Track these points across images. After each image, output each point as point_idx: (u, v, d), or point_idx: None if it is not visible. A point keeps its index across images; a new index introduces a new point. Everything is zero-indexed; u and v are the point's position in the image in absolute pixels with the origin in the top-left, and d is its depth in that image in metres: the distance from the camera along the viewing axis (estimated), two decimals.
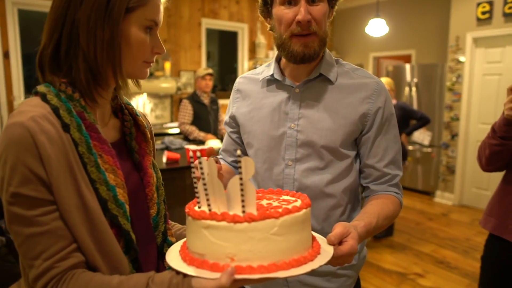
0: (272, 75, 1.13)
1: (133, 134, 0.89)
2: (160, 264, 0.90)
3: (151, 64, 0.84)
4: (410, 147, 5.54)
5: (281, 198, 0.81)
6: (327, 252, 0.73)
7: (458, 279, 3.13)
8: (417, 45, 6.04)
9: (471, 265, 3.35)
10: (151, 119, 5.57)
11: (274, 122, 1.11)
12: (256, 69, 1.23)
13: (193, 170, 0.74)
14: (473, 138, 4.91)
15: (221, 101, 4.71)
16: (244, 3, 6.38)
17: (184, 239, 0.77)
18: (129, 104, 0.93)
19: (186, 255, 0.70)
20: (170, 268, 0.70)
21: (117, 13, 0.74)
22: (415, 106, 5.47)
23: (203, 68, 4.44)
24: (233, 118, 1.23)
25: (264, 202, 0.77)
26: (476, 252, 3.59)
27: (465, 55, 4.81)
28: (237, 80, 1.27)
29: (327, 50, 1.12)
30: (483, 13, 4.57)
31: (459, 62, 4.89)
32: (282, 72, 1.13)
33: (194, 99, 4.16)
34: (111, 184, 0.75)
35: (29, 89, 4.82)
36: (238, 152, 0.66)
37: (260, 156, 1.14)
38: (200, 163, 0.70)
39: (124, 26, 0.75)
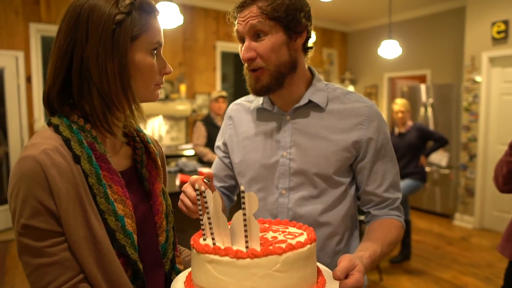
0: (262, 104, 1.14)
1: (144, 162, 0.91)
2: None
3: (161, 86, 0.86)
4: (427, 169, 5.45)
5: (287, 230, 0.80)
6: (332, 287, 0.72)
7: None
8: (432, 65, 6.01)
9: None
10: (167, 140, 5.64)
11: (267, 150, 1.11)
12: (249, 96, 1.22)
13: (198, 202, 0.74)
14: (492, 159, 4.79)
15: None
16: None
17: (189, 269, 0.77)
18: (141, 131, 0.95)
19: None
20: None
21: (123, 44, 0.76)
22: (431, 126, 5.40)
23: (217, 91, 4.50)
24: (225, 145, 1.24)
25: (270, 235, 0.77)
26: (500, 279, 3.45)
27: (481, 75, 4.75)
28: (230, 106, 1.27)
29: (317, 74, 1.12)
30: (499, 32, 4.53)
31: (475, 82, 4.83)
32: (271, 100, 1.13)
33: (208, 121, 4.21)
34: (119, 214, 0.76)
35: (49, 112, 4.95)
36: (242, 187, 0.66)
37: (254, 185, 1.14)
38: (204, 197, 0.70)
39: (131, 54, 0.78)
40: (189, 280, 0.74)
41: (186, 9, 5.65)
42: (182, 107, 5.45)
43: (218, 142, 1.27)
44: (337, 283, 0.74)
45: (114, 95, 0.78)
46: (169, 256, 0.90)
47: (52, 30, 4.72)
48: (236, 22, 1.03)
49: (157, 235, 0.89)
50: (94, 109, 0.78)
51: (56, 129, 0.76)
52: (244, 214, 0.66)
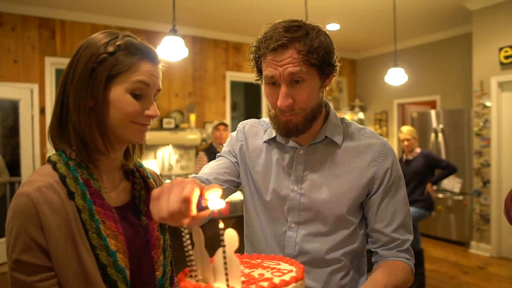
0: (275, 137, 1.12)
1: (142, 197, 0.92)
2: None
3: (147, 127, 0.86)
4: (440, 195, 5.33)
5: (277, 267, 0.79)
6: None
7: None
8: (442, 91, 5.99)
9: None
10: (177, 170, 5.68)
11: (279, 181, 1.09)
12: (266, 120, 1.17)
13: (184, 238, 0.74)
14: (506, 185, 4.67)
15: None
16: None
17: None
18: (141, 167, 0.97)
19: None
20: None
21: (99, 82, 0.79)
22: (442, 152, 5.33)
23: (217, 119, 4.52)
24: (235, 156, 1.17)
25: (257, 272, 0.76)
26: None
27: (491, 100, 4.71)
28: (246, 124, 1.21)
29: (332, 110, 1.11)
30: (506, 57, 4.52)
31: (485, 106, 4.79)
32: None
33: (210, 150, 4.21)
34: (111, 249, 0.77)
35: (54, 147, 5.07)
36: (221, 225, 0.66)
37: (263, 214, 1.12)
38: (190, 232, 0.70)
39: (108, 92, 0.80)
40: None
41: (196, 40, 5.80)
42: (192, 136, 5.51)
43: (224, 149, 1.21)
44: None
45: (84, 131, 0.81)
46: None
47: (66, 63, 4.87)
48: (266, 64, 0.96)
49: (154, 270, 0.88)
50: (75, 145, 0.82)
51: (54, 166, 0.80)
52: (224, 252, 0.65)
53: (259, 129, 1.19)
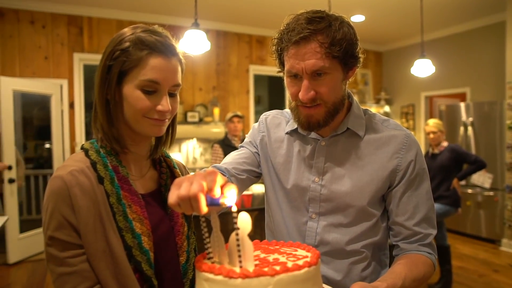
0: (296, 129, 1.11)
1: (168, 186, 0.96)
2: None
3: (162, 121, 0.88)
4: (469, 191, 5.17)
5: (294, 253, 0.79)
6: None
7: None
8: (472, 83, 5.78)
9: None
10: (201, 163, 5.74)
11: (300, 173, 1.09)
12: (289, 111, 1.16)
13: (203, 224, 0.75)
14: None
15: None
16: None
17: None
18: (168, 157, 1.02)
19: None
20: None
21: (112, 78, 0.84)
22: (472, 146, 5.15)
23: (232, 111, 4.52)
24: (256, 147, 1.18)
25: (273, 257, 0.76)
26: None
27: None
28: (268, 116, 1.21)
29: (355, 101, 1.09)
30: None
31: None
32: None
33: (225, 143, 4.22)
34: (137, 232, 0.82)
35: (89, 135, 5.22)
36: (234, 208, 0.66)
37: (285, 203, 1.12)
38: (208, 218, 0.71)
39: (122, 88, 0.84)
40: None
41: (220, 34, 5.82)
42: (216, 130, 5.55)
43: (246, 140, 1.21)
44: None
45: (104, 123, 0.86)
46: (189, 276, 0.93)
47: (93, 58, 5.02)
48: (289, 57, 0.95)
49: (178, 255, 0.93)
50: (101, 134, 0.88)
51: (86, 153, 0.87)
52: (237, 235, 0.66)
53: (282, 120, 1.18)
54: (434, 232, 1.04)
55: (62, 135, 4.86)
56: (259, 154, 1.18)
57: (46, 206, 0.79)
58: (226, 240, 0.70)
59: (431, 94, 6.54)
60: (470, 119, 5.18)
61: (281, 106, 7.26)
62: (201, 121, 5.55)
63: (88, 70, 5.08)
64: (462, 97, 6.09)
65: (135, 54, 0.82)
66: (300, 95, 0.95)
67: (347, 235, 1.04)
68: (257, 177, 1.18)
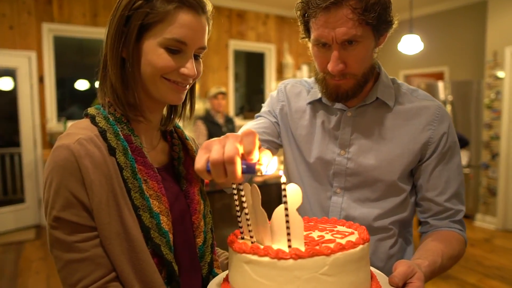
0: (320, 98, 1.03)
1: (181, 159, 0.85)
2: None
3: (182, 88, 0.76)
4: None
5: (335, 229, 0.71)
6: None
7: None
8: (450, 62, 5.84)
9: None
10: None
11: (324, 145, 1.01)
12: (308, 80, 1.10)
13: (234, 196, 0.65)
14: None
15: (241, 122, 4.66)
16: (271, 24, 6.41)
17: (227, 271, 0.69)
18: (179, 128, 0.90)
19: None
20: None
21: (132, 31, 0.71)
22: None
23: (215, 87, 4.43)
24: (275, 116, 1.10)
25: (316, 234, 0.67)
26: None
27: (505, 70, 4.59)
28: (287, 84, 1.12)
29: (383, 70, 1.01)
30: None
31: (497, 78, 4.67)
32: None
33: (207, 119, 4.13)
34: (155, 211, 0.71)
35: (61, 112, 4.94)
36: (283, 179, 0.56)
37: (307, 178, 1.05)
38: (240, 190, 0.61)
39: (141, 44, 0.72)
40: (225, 283, 0.66)
41: None
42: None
43: (263, 109, 1.12)
44: None
45: (117, 84, 0.73)
46: (207, 259, 0.84)
47: (64, 29, 4.70)
48: (317, 24, 0.85)
49: (194, 237, 0.83)
50: (110, 97, 0.75)
51: (93, 119, 0.73)
52: (286, 209, 0.56)
53: (302, 89, 1.10)
54: (464, 208, 0.99)
55: (32, 111, 4.57)
56: (278, 124, 1.10)
57: (50, 181, 0.66)
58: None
59: (409, 73, 6.58)
60: (449, 97, 5.25)
61: (259, 84, 7.15)
62: None
63: (59, 43, 4.76)
64: (439, 76, 6.16)
65: (162, 7, 0.69)
66: (329, 66, 0.87)
67: (375, 211, 0.98)
68: (276, 149, 1.10)
